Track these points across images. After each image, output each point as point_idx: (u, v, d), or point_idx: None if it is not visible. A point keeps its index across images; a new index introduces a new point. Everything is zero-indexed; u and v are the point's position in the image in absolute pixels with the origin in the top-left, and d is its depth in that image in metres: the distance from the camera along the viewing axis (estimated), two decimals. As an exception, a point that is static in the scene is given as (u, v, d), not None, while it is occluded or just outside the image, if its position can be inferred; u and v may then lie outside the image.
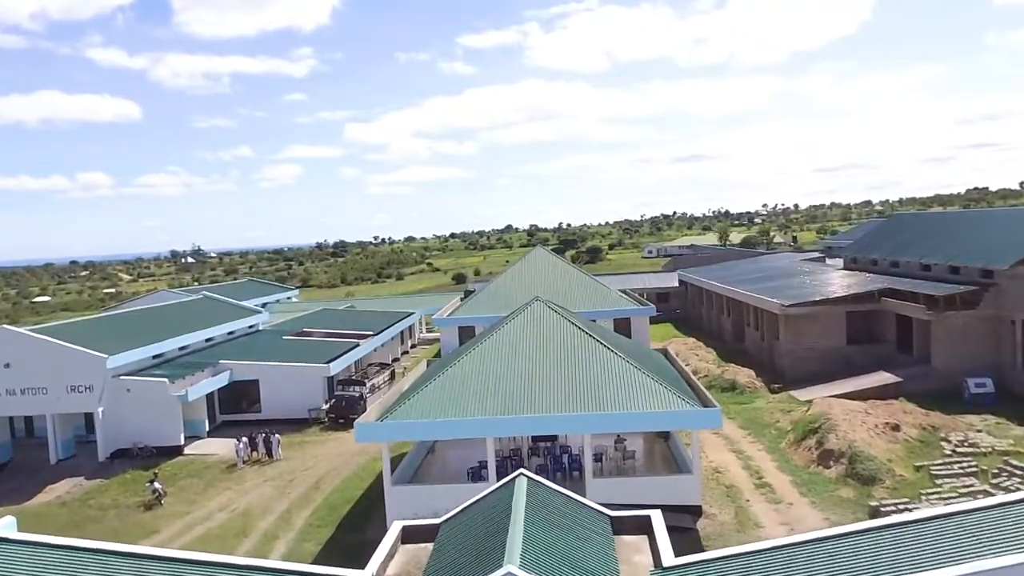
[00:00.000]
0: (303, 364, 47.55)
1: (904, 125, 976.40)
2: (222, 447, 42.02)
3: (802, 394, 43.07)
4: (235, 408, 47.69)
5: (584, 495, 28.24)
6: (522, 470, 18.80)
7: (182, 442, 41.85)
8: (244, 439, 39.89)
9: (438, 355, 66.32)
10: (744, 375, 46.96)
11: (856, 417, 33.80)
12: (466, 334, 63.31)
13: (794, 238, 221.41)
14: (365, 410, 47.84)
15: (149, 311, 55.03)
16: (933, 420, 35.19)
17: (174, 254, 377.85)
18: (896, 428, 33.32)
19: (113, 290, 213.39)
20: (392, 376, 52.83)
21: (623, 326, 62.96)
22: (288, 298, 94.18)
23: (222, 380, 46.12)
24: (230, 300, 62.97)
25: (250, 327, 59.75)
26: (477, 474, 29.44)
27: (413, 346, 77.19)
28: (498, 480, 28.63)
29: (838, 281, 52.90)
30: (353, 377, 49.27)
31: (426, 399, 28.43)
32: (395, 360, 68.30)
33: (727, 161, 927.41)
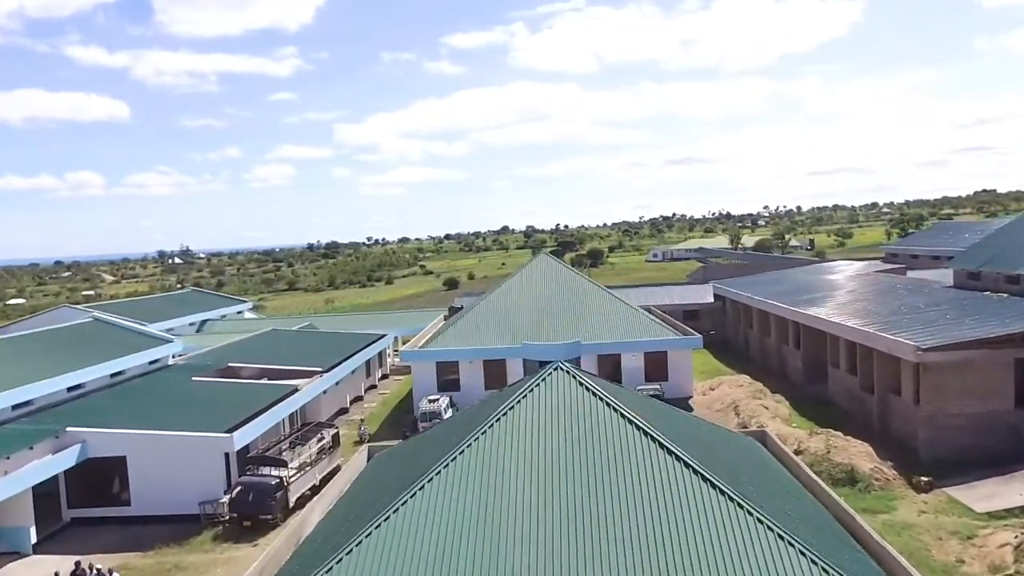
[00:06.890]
0: (191, 434, 31.42)
1: (898, 129, 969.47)
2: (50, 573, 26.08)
3: (971, 496, 27.14)
4: (94, 498, 31.72)
5: None
6: None
7: (-24, 572, 25.98)
8: (67, 576, 24.09)
9: (408, 398, 50.41)
10: (861, 455, 30.68)
11: None
12: (447, 372, 47.44)
13: (811, 241, 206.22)
14: (286, 504, 31.96)
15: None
16: None
17: (161, 254, 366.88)
18: None
19: (93, 292, 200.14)
20: (334, 442, 36.46)
21: (658, 361, 47.30)
22: (239, 312, 77.98)
23: (67, 460, 30.11)
24: (131, 325, 46.96)
25: (152, 362, 43.79)
26: None
27: (384, 377, 61.02)
28: None
29: (981, 309, 36.42)
30: (271, 452, 32.72)
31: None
32: (357, 400, 52.32)
33: (722, 164, 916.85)
